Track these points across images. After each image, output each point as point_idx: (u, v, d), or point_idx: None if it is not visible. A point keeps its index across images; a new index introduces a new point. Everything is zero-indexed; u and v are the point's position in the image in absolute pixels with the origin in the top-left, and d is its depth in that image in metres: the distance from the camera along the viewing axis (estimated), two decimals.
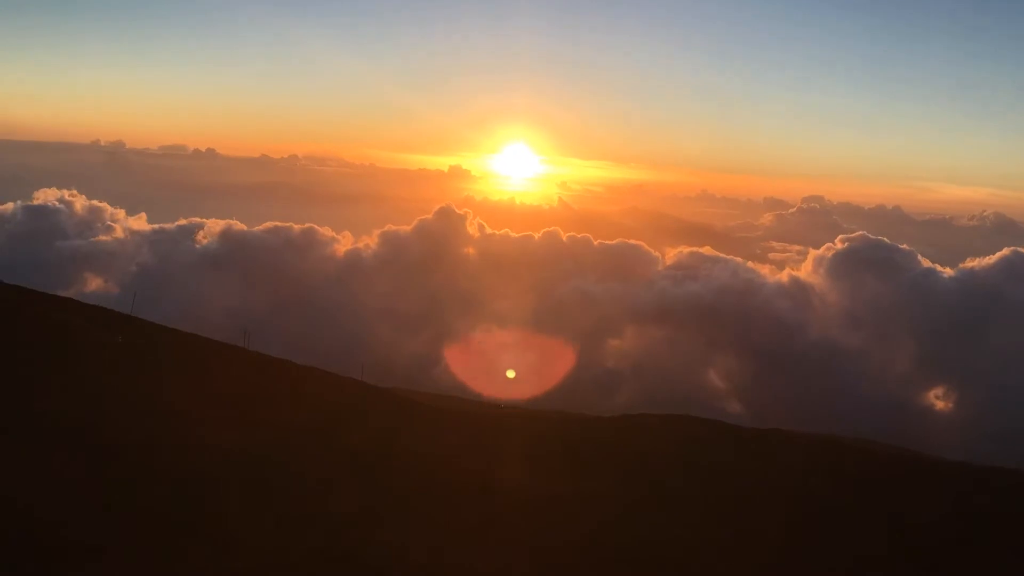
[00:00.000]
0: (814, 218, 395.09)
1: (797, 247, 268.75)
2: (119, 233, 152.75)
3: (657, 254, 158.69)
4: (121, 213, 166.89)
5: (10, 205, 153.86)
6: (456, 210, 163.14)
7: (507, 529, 13.82)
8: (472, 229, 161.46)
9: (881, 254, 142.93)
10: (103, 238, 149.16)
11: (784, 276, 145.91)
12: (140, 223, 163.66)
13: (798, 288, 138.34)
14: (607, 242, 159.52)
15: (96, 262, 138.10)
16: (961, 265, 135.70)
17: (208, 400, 17.31)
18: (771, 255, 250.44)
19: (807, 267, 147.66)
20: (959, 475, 26.61)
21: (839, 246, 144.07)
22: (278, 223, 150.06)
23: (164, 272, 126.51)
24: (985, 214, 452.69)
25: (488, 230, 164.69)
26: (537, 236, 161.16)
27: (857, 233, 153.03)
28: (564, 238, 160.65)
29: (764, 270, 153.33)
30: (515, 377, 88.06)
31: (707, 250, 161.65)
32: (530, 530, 13.98)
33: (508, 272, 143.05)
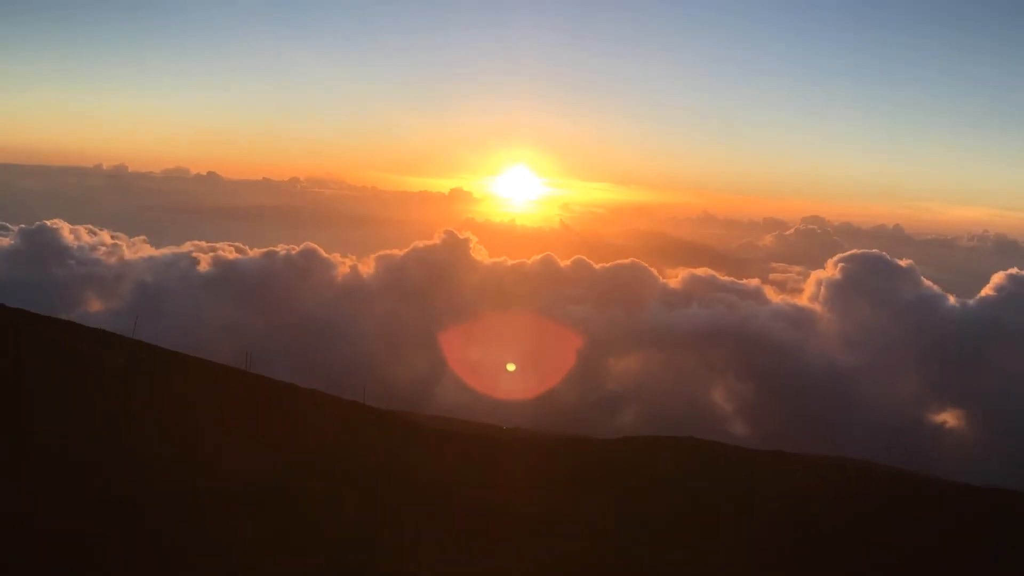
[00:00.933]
0: (815, 239, 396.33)
1: (798, 268, 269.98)
2: (121, 256, 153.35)
3: (659, 276, 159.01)
4: (123, 236, 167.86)
5: (12, 228, 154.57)
6: (458, 234, 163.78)
7: (507, 550, 13.78)
8: (474, 252, 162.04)
9: (881, 272, 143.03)
10: (105, 261, 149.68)
11: (785, 297, 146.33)
12: (142, 246, 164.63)
13: (799, 309, 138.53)
14: (608, 264, 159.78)
15: (98, 285, 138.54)
16: (979, 295, 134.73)
17: (210, 422, 17.32)
18: (772, 276, 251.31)
19: (809, 287, 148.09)
20: (963, 497, 26.46)
21: (838, 265, 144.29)
22: (280, 246, 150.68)
23: (165, 295, 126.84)
24: (986, 235, 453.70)
25: (487, 254, 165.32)
26: (536, 259, 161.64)
27: (855, 251, 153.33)
28: (564, 260, 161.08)
29: (766, 291, 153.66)
30: (516, 389, 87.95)
31: (707, 271, 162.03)
32: (531, 551, 13.94)
33: (509, 294, 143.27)
